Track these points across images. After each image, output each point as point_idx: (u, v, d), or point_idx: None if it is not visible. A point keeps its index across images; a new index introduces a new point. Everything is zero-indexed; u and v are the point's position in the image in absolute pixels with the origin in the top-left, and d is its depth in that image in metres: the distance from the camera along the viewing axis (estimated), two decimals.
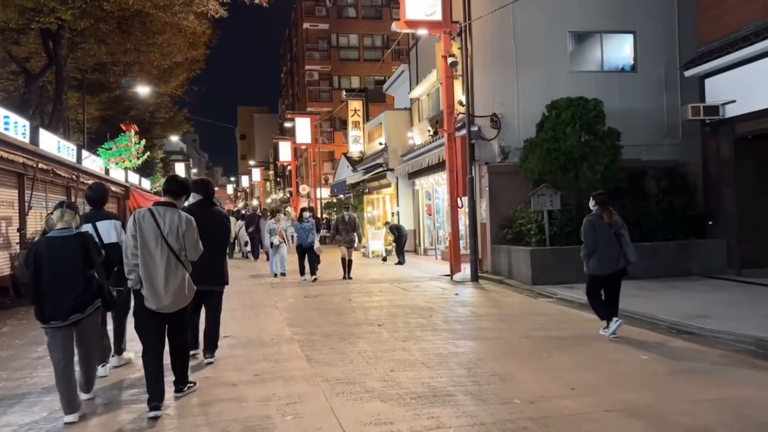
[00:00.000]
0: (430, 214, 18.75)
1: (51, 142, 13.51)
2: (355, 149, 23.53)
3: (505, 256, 12.05)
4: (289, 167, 45.14)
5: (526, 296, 10.03)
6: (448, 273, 12.66)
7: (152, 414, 4.21)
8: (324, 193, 33.75)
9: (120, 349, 5.77)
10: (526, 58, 13.60)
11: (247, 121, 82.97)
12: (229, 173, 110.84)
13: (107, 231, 5.28)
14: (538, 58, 13.63)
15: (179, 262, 4.46)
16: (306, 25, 41.58)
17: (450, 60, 11.92)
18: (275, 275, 13.62)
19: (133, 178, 23.85)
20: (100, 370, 5.22)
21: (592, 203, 6.88)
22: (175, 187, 4.71)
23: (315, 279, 12.54)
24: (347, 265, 12.86)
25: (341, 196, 30.51)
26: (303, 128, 30.26)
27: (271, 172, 66.55)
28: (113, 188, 20.71)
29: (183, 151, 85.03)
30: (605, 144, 11.40)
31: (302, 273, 12.85)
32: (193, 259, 4.60)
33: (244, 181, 79.13)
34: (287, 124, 36.72)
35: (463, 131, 12.41)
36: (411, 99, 18.94)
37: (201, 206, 5.60)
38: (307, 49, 41.61)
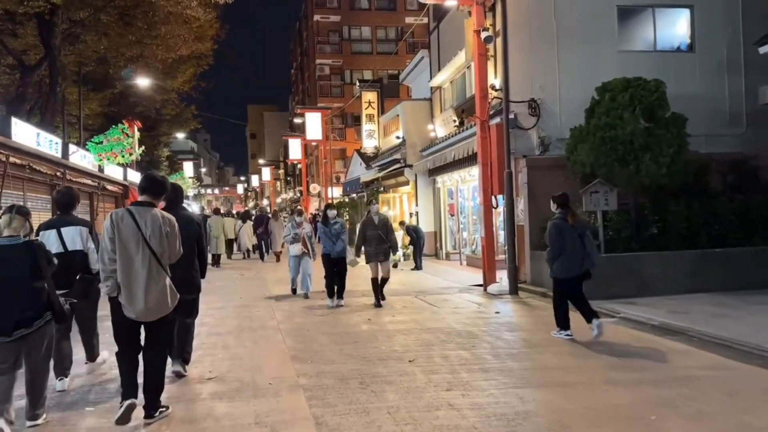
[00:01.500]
0: (452, 215, 17.02)
1: (27, 134, 11.95)
2: (369, 144, 21.81)
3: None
4: (299, 166, 43.59)
5: (581, 315, 8.25)
6: (480, 283, 10.95)
7: (125, 405, 3.95)
8: (336, 192, 32.09)
9: (93, 357, 5.57)
10: (568, 36, 11.85)
11: (258, 120, 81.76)
12: (240, 173, 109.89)
13: (72, 238, 5.06)
14: (582, 37, 11.88)
15: (161, 266, 4.15)
16: (317, 17, 39.92)
17: (484, 35, 10.19)
18: (294, 291, 10.57)
19: (134, 176, 22.37)
20: (58, 384, 4.92)
21: (553, 206, 6.82)
22: (154, 185, 4.34)
23: (340, 305, 9.16)
24: (380, 286, 9.13)
25: (354, 195, 28.88)
26: (314, 124, 28.60)
27: (281, 171, 65.10)
28: (109, 187, 19.20)
29: (193, 151, 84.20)
30: (670, 132, 9.61)
31: (331, 295, 9.18)
32: (173, 262, 4.31)
33: (254, 180, 77.69)
34: (297, 120, 35.09)
35: (498, 119, 10.68)
36: (431, 88, 17.21)
37: (168, 211, 4.92)
38: (317, 42, 39.93)
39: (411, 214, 18.26)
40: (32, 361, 4.11)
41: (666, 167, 9.34)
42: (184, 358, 5.37)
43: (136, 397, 4.05)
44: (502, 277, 10.60)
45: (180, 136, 39.33)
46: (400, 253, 17.56)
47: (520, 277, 10.73)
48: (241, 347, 6.61)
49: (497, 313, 8.43)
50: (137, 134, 15.70)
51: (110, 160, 15.39)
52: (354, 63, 39.45)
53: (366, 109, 21.82)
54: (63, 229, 5.06)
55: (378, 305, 8.97)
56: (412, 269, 14.64)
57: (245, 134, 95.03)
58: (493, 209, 10.75)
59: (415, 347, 6.31)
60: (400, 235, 17.99)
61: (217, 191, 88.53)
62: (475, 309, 8.74)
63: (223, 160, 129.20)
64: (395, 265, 15.01)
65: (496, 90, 11.88)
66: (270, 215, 20.53)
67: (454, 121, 14.10)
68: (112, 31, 23.94)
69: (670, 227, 9.76)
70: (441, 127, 15.66)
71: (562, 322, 6.64)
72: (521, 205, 11.30)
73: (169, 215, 4.34)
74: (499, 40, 11.43)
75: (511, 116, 11.14)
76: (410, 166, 17.41)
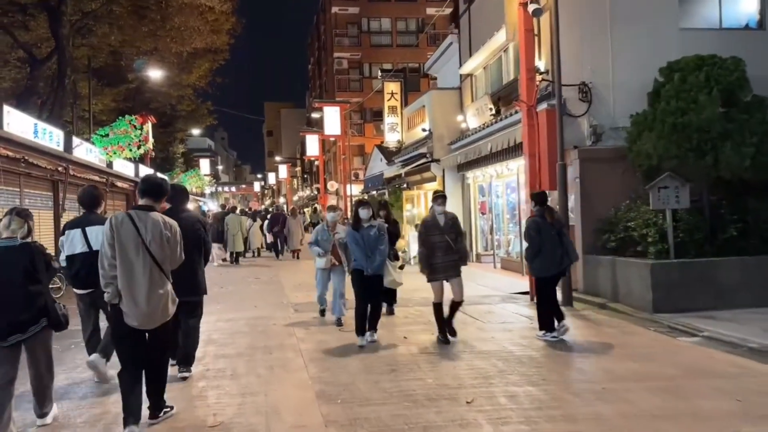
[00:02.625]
0: (484, 213, 15.71)
1: (22, 124, 10.91)
2: (391, 138, 20.51)
3: (607, 271, 8.97)
4: (316, 162, 42.51)
5: (657, 333, 6.95)
6: (524, 291, 9.65)
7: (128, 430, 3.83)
8: (355, 189, 30.88)
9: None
10: (623, 11, 10.45)
11: (274, 117, 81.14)
12: (256, 171, 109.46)
13: (96, 237, 4.95)
14: (639, 12, 10.47)
15: (162, 273, 4.06)
16: (335, 9, 38.69)
17: (532, 7, 8.88)
18: (322, 313, 8.29)
19: (145, 172, 21.40)
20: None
21: (531, 203, 6.84)
22: (154, 188, 4.26)
23: (374, 340, 6.63)
24: (450, 312, 6.62)
25: (374, 192, 27.65)
26: (332, 118, 27.37)
27: (298, 169, 64.18)
28: (119, 183, 18.25)
29: (211, 149, 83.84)
30: (754, 118, 8.23)
31: (362, 331, 6.50)
32: (174, 267, 4.22)
33: (271, 178, 76.77)
34: (315, 115, 33.97)
35: (546, 104, 9.38)
36: (461, 76, 15.90)
37: (171, 213, 4.99)
38: (335, 35, 38.69)
39: None
40: (35, 368, 4.09)
41: (750, 158, 7.97)
42: (188, 361, 5.34)
43: (137, 422, 3.92)
44: None
45: (195, 132, 38.47)
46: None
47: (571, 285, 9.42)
48: (254, 375, 5.42)
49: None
50: (148, 127, 14.57)
51: (117, 154, 14.33)
52: (373, 56, 38.15)
53: (388, 100, 20.54)
54: (87, 229, 5.07)
55: (445, 341, 6.41)
56: None
57: (262, 132, 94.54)
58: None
59: (470, 380, 5.05)
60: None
61: (234, 189, 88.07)
62: (528, 325, 7.45)
63: (240, 159, 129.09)
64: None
65: (541, 73, 10.57)
66: (288, 213, 20.15)
67: (490, 109, 12.79)
68: (124, 23, 23.12)
69: (750, 228, 8.37)
70: (473, 117, 14.36)
71: (550, 325, 6.54)
72: (570, 203, 9.98)
73: (171, 220, 4.20)
74: (544, 18, 10.14)
75: (553, 101, 9.85)
76: (437, 160, 16.12)
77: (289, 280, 12.88)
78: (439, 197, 6.53)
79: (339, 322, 7.61)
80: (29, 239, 4.12)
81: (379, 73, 21.46)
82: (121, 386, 3.95)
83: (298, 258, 18.20)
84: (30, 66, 20.89)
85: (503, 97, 12.75)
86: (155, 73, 21.65)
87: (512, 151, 11.30)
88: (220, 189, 77.89)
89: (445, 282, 6.52)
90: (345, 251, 7.28)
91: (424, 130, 16.72)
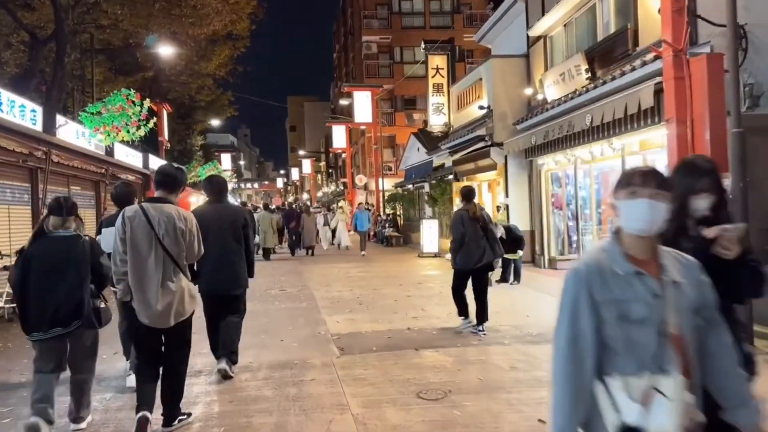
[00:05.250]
0: (558, 208, 12.82)
1: None
2: (437, 122, 17.60)
3: None
4: (343, 155, 39.86)
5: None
6: None
7: (138, 419, 3.64)
8: (387, 184, 28.10)
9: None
10: None
11: (298, 112, 78.99)
12: (279, 168, 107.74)
13: None
14: None
15: (178, 268, 3.83)
16: None
17: None
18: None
19: (157, 164, 18.93)
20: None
21: (459, 199, 7.51)
22: (168, 179, 3.98)
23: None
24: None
25: (410, 186, 24.90)
26: (362, 104, 24.62)
27: (323, 164, 61.71)
28: (123, 175, 15.73)
29: (233, 145, 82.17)
30: None
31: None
32: (191, 262, 4.04)
33: (294, 174, 74.44)
34: (343, 102, 31.21)
35: (709, 47, 6.47)
36: (531, 39, 12.97)
37: (212, 204, 5.18)
38: (364, 17, 35.80)
39: (498, 208, 14.12)
40: (74, 363, 3.91)
41: None
42: (231, 358, 5.10)
43: (150, 410, 3.72)
44: None
45: (215, 123, 36.29)
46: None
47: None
48: None
49: None
50: (146, 103, 11.92)
51: (110, 137, 11.74)
52: (404, 39, 35.18)
53: (433, 76, 17.61)
54: None
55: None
56: (498, 281, 10.61)
57: (285, 127, 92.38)
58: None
59: None
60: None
61: (256, 185, 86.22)
62: None
63: (263, 156, 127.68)
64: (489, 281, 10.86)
65: (695, 15, 7.64)
66: (301, 210, 20.03)
67: (586, 70, 9.85)
68: None
69: None
70: (553, 86, 11.44)
71: (464, 311, 6.78)
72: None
73: (186, 212, 3.98)
74: None
75: (705, 50, 6.94)
76: (499, 144, 13.25)
77: (321, 292, 10.20)
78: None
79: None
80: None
81: (422, 45, 18.55)
82: (136, 381, 3.85)
83: (312, 254, 18.04)
84: (31, 47, 18.63)
85: (600, 56, 9.81)
86: (167, 50, 19.08)
87: (624, 123, 8.40)
88: (242, 185, 76.07)
89: None
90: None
91: (481, 107, 13.83)
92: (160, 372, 3.83)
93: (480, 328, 6.53)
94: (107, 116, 11.38)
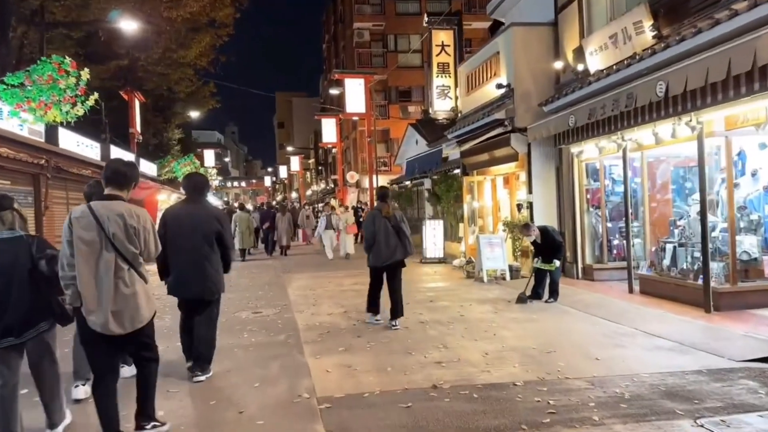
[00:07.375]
0: (595, 207, 10.60)
1: None
2: (441, 107, 15.26)
3: None
4: (333, 151, 37.47)
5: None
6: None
7: None
8: (381, 181, 25.73)
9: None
10: None
11: (286, 109, 76.75)
12: (268, 167, 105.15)
13: None
14: None
15: (132, 269, 3.56)
16: None
17: None
18: None
19: (126, 158, 16.39)
20: (74, 392, 4.39)
21: (375, 198, 7.81)
22: (117, 176, 3.68)
23: None
24: None
25: (407, 182, 22.64)
26: (355, 93, 22.17)
27: (312, 161, 59.26)
28: (73, 169, 13.25)
29: (220, 142, 79.41)
30: None
31: None
32: (150, 261, 3.81)
33: (282, 171, 71.72)
34: (333, 92, 28.80)
35: None
36: (560, 2, 10.70)
37: (187, 204, 5.08)
38: (356, 2, 33.43)
39: (519, 207, 11.86)
40: (35, 370, 3.75)
41: None
42: (202, 364, 4.95)
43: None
44: None
45: (195, 115, 33.90)
46: (505, 267, 11.29)
47: None
48: None
49: None
50: (85, 74, 9.45)
51: (36, 115, 9.24)
52: (398, 26, 32.85)
53: (437, 54, 15.25)
54: None
55: None
56: (529, 298, 8.43)
57: (272, 124, 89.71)
58: None
59: None
60: (501, 240, 11.72)
61: (244, 184, 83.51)
62: None
63: (251, 154, 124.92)
64: (524, 300, 8.57)
65: None
66: (276, 209, 19.92)
67: (653, 26, 7.56)
68: None
69: None
70: (599, 53, 9.14)
71: (375, 309, 7.24)
72: None
73: (139, 209, 3.70)
74: None
75: None
76: (522, 130, 10.98)
77: (306, 315, 7.88)
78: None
79: None
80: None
81: (425, 18, 16.22)
82: (95, 401, 3.59)
83: (286, 255, 18.29)
84: None
85: (669, 9, 7.54)
86: (130, 25, 16.58)
87: (714, 91, 6.12)
88: (228, 184, 73.27)
89: None
90: None
91: (500, 86, 11.52)
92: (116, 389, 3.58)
93: (394, 323, 6.89)
94: (33, 89, 8.91)
